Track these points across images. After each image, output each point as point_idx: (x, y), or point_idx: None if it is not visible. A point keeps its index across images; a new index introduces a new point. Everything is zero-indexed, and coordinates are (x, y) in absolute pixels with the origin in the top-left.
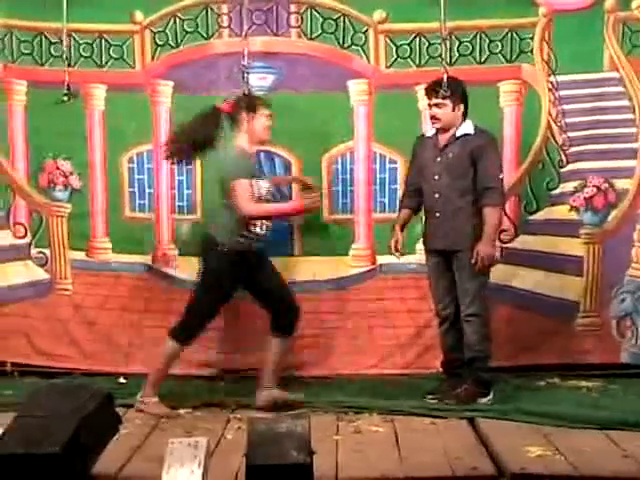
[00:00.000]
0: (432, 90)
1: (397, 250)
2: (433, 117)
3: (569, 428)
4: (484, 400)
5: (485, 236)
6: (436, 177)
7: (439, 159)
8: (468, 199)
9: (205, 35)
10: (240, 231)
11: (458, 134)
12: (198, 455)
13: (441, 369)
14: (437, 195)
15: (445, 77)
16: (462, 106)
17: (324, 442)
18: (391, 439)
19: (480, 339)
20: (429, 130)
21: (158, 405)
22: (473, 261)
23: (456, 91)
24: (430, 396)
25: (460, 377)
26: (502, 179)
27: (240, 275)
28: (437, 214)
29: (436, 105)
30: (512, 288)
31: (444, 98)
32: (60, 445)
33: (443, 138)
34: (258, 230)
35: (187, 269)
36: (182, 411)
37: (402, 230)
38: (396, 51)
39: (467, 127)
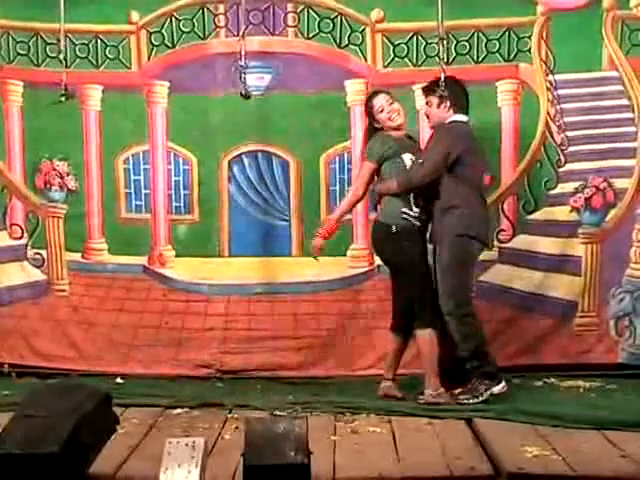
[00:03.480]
0: (422, 91)
1: None
2: (426, 115)
3: (567, 428)
4: (498, 388)
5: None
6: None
7: None
8: (445, 197)
9: (202, 35)
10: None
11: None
12: (195, 455)
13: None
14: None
15: (442, 76)
16: (448, 103)
17: (321, 442)
18: (389, 439)
19: (462, 338)
20: None
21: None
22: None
23: (435, 90)
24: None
25: (454, 374)
26: (421, 167)
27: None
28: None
29: (426, 104)
30: (510, 288)
31: (430, 95)
32: (59, 445)
33: None
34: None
35: (183, 270)
36: (179, 411)
37: None
38: (393, 50)
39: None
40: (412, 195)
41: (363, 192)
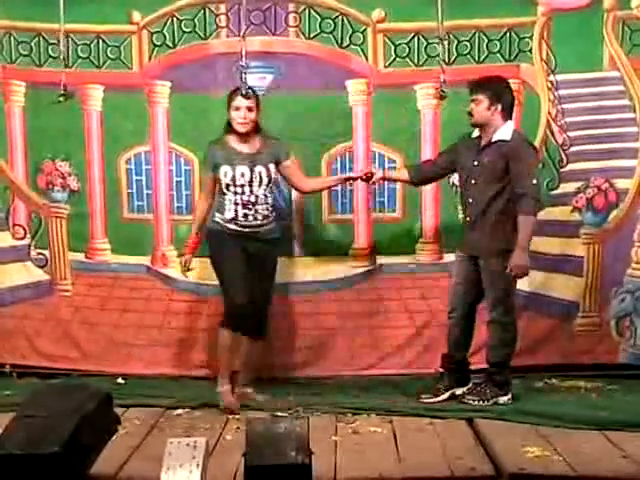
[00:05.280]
0: (471, 85)
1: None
2: (469, 112)
3: (568, 429)
4: (504, 399)
5: (518, 246)
6: (472, 181)
7: (476, 163)
8: (496, 205)
9: (203, 35)
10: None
11: (494, 139)
12: (197, 455)
13: (440, 362)
14: (470, 200)
15: (442, 77)
16: (500, 106)
17: (323, 443)
18: (390, 440)
19: (498, 344)
20: (475, 131)
21: (227, 394)
22: (507, 271)
23: (489, 90)
24: (424, 396)
25: (455, 375)
26: (537, 185)
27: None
28: (467, 219)
29: (473, 101)
30: None
31: (482, 94)
32: (60, 445)
33: (483, 141)
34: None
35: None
36: (181, 411)
37: (385, 178)
38: (395, 50)
39: (504, 132)
40: (228, 199)
41: (210, 201)
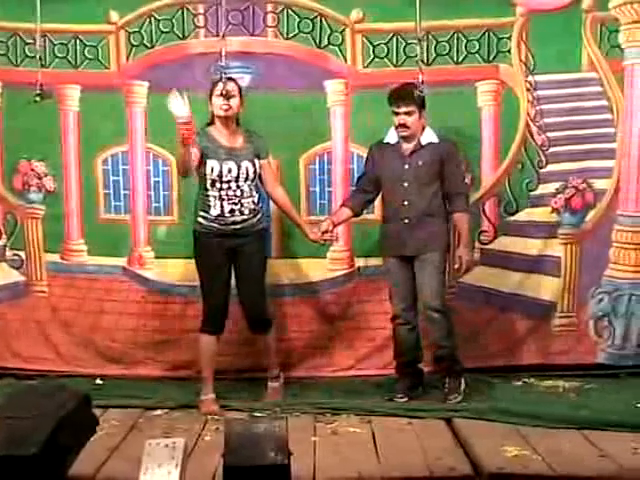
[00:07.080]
0: (401, 98)
1: (324, 239)
2: (403, 125)
3: (546, 428)
4: (462, 388)
5: (463, 241)
6: (405, 184)
7: (407, 167)
8: (435, 204)
9: (181, 35)
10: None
11: (424, 142)
12: (175, 456)
13: (395, 370)
14: (406, 202)
15: (420, 78)
16: (424, 114)
17: (302, 443)
18: (369, 440)
19: (447, 334)
20: (390, 137)
21: (208, 403)
22: (456, 266)
23: (418, 101)
24: (399, 395)
25: (412, 376)
26: (467, 184)
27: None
28: (405, 220)
29: (406, 113)
30: (490, 289)
31: (414, 105)
32: (38, 446)
33: (408, 146)
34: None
35: (163, 271)
36: (159, 412)
37: (335, 225)
38: (373, 51)
39: (430, 135)
40: (212, 195)
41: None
